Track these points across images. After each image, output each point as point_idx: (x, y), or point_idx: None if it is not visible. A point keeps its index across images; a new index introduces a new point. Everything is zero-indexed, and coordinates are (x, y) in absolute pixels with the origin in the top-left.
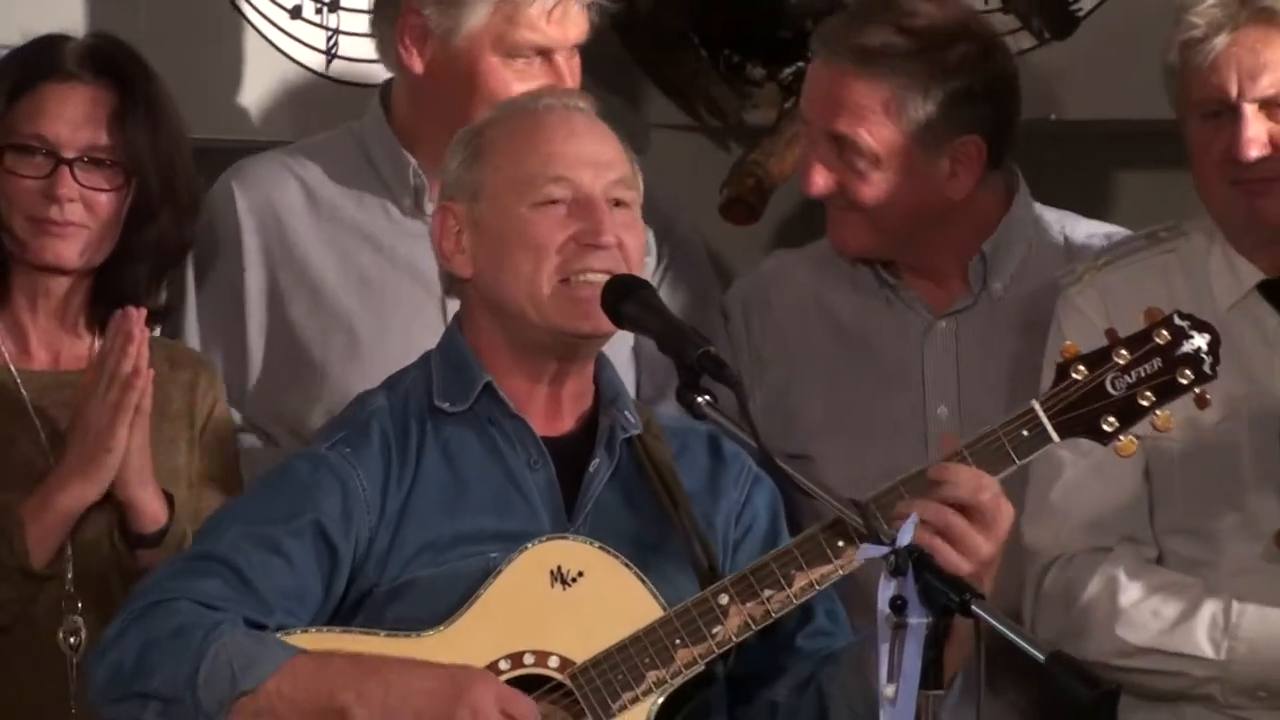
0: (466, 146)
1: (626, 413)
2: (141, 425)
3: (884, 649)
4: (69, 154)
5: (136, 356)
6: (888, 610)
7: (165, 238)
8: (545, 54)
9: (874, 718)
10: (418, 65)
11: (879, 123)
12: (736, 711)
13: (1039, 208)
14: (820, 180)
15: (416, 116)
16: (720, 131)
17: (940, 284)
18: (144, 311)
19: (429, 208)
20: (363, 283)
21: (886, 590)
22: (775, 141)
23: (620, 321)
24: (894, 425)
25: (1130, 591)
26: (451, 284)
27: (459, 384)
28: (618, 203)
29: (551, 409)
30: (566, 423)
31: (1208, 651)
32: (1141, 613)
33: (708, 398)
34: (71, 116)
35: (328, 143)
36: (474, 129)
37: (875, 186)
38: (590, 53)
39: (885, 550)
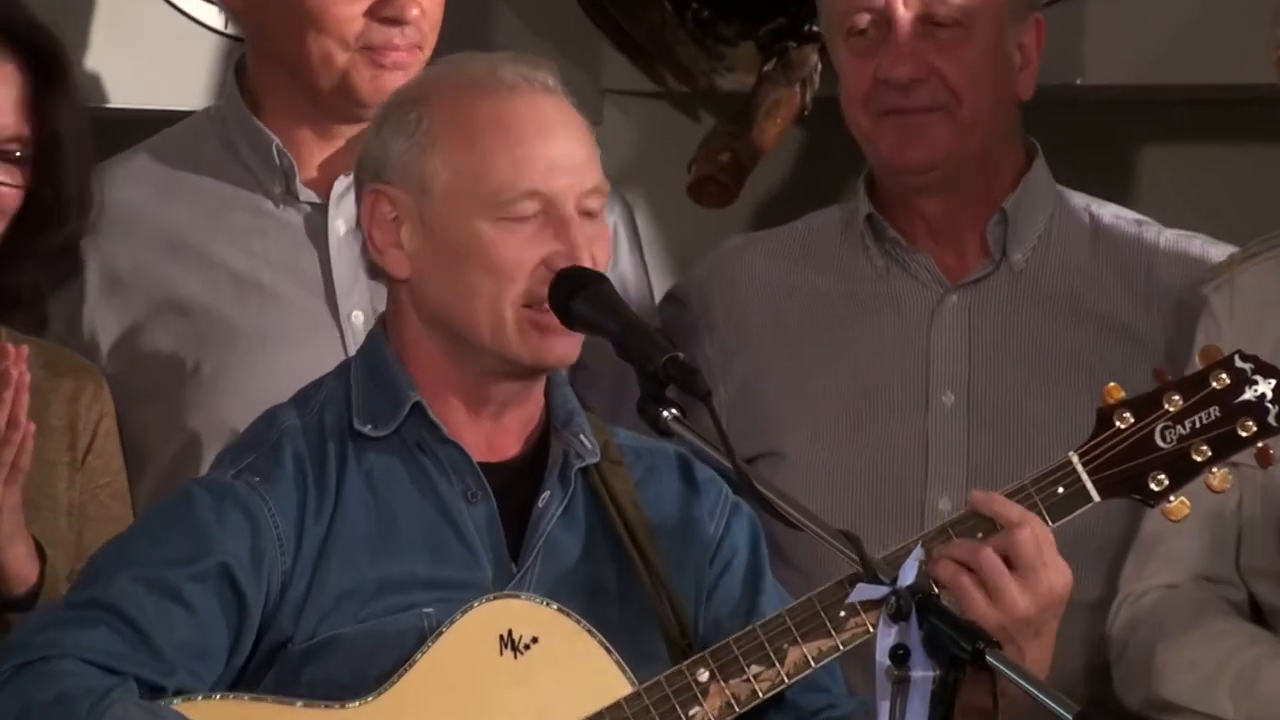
0: (409, 122)
1: (582, 437)
2: (17, 482)
3: (884, 707)
4: None
5: (14, 405)
6: (888, 661)
7: (68, 237)
8: None
9: None
10: None
11: None
12: None
13: (1061, 189)
14: (908, 64)
15: (260, 75)
16: (688, 99)
17: (956, 248)
18: (24, 350)
19: (304, 192)
20: (238, 295)
21: (886, 638)
22: (753, 110)
23: (571, 322)
24: (887, 414)
25: (1172, 641)
26: (356, 284)
27: (383, 403)
28: (587, 213)
29: (493, 432)
30: (511, 448)
31: (1228, 712)
32: (1178, 665)
33: (674, 412)
34: None
35: (185, 130)
36: (416, 95)
37: (966, 65)
38: (535, 4)
39: (884, 591)
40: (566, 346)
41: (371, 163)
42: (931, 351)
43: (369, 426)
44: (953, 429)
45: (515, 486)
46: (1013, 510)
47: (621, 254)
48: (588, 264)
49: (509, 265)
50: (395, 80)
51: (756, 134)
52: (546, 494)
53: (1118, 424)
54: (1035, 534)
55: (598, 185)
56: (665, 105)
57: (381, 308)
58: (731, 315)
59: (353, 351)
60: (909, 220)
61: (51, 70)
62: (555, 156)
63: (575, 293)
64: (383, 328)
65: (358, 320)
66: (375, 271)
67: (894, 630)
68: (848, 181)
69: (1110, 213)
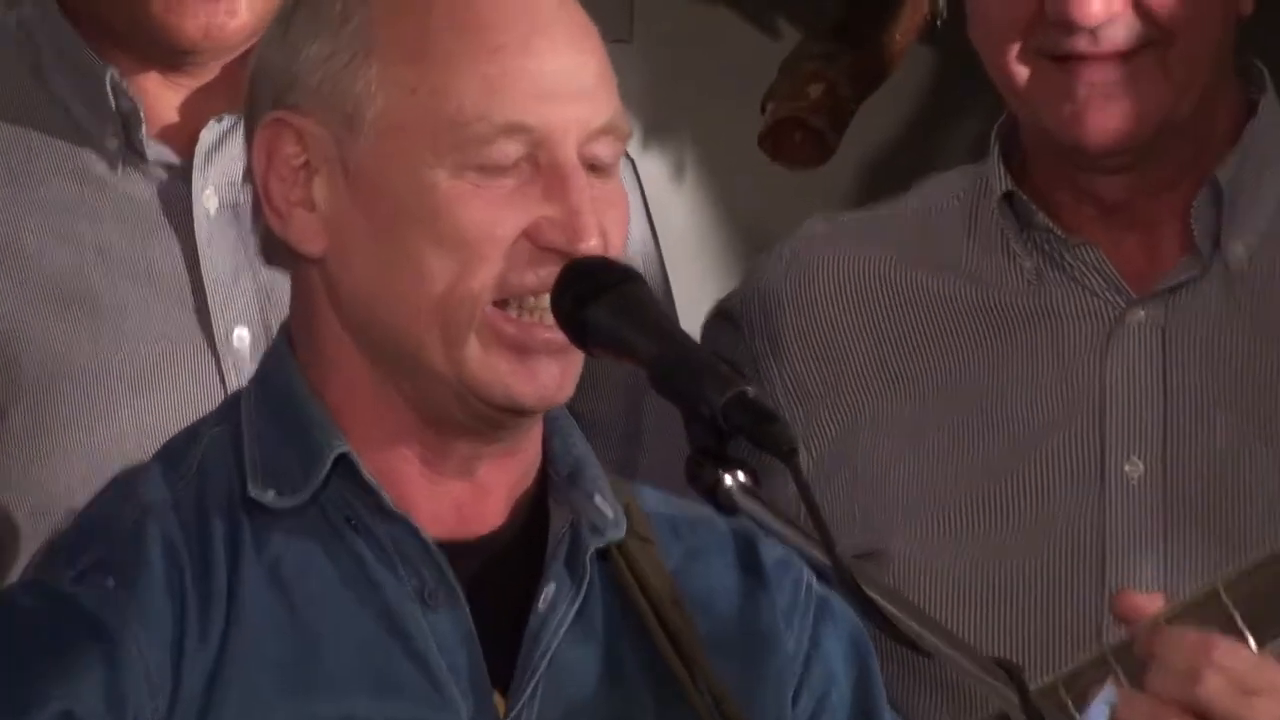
0: (332, 14)
1: (598, 501)
2: None
3: None
4: None
5: None
6: None
7: None
8: None
9: None
10: None
11: None
12: None
13: None
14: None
15: None
16: (759, 1)
17: (1145, 240)
18: None
19: (154, 148)
20: (59, 307)
21: None
22: (858, 18)
23: (585, 338)
24: (1043, 491)
25: None
26: (238, 285)
27: (291, 457)
28: (594, 167)
29: (464, 496)
30: (491, 518)
31: None
32: None
33: (743, 477)
34: None
35: None
36: None
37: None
38: None
39: None
40: (555, 376)
41: (270, 76)
42: (1108, 395)
43: (271, 494)
44: (1141, 510)
45: (500, 579)
46: (1189, 649)
47: (631, 236)
48: (595, 240)
49: (475, 236)
50: (230, 11)
51: (864, 54)
52: (549, 589)
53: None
54: (1232, 677)
55: (613, 123)
56: (725, 11)
57: (281, 318)
58: (811, 343)
59: (235, 386)
60: (1071, 199)
61: None
62: (551, 74)
63: (594, 296)
64: (288, 342)
65: (242, 340)
66: (272, 250)
67: None
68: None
69: None
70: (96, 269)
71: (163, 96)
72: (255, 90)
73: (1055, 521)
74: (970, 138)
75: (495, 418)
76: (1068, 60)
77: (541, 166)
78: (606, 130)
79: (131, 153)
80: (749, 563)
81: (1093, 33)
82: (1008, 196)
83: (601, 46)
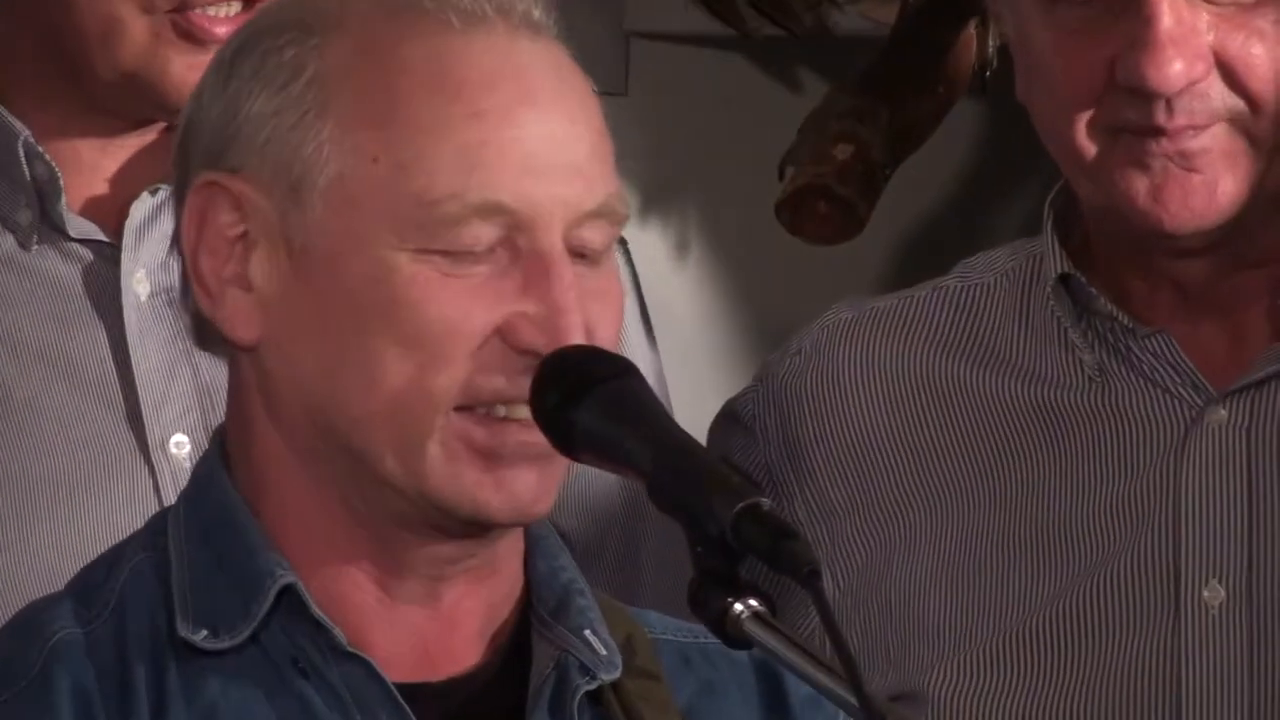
0: (283, 62)
1: (588, 634)
2: None
3: None
4: None
5: None
6: None
7: None
8: None
9: None
10: None
11: None
12: None
13: None
14: (1181, 59)
15: (5, 43)
16: (775, 48)
17: (1226, 328)
18: None
19: (75, 224)
20: None
21: None
22: (894, 69)
23: (571, 444)
24: (1109, 624)
25: None
26: (174, 384)
27: (227, 590)
28: (583, 255)
29: (429, 630)
30: (462, 656)
31: None
32: None
33: (757, 605)
34: None
35: None
36: (301, 17)
37: (1269, 45)
38: None
39: None
40: (532, 486)
41: (204, 133)
42: (1184, 510)
43: (204, 634)
44: (1222, 644)
45: None
46: None
47: (628, 332)
48: (578, 339)
49: (439, 332)
50: None
51: (901, 110)
52: None
53: None
54: None
55: (607, 206)
56: (738, 59)
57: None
58: (836, 451)
59: (173, 501)
60: (1141, 283)
61: None
62: (536, 146)
63: (581, 393)
64: (221, 450)
65: (181, 448)
66: (203, 334)
67: None
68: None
69: None
70: (8, 363)
71: (92, 162)
72: (186, 148)
73: (1122, 659)
74: (1023, 208)
75: (460, 531)
76: (1144, 132)
77: (521, 253)
78: (599, 214)
79: (48, 228)
80: (773, 700)
81: (1171, 102)
82: (1064, 279)
83: (600, 117)
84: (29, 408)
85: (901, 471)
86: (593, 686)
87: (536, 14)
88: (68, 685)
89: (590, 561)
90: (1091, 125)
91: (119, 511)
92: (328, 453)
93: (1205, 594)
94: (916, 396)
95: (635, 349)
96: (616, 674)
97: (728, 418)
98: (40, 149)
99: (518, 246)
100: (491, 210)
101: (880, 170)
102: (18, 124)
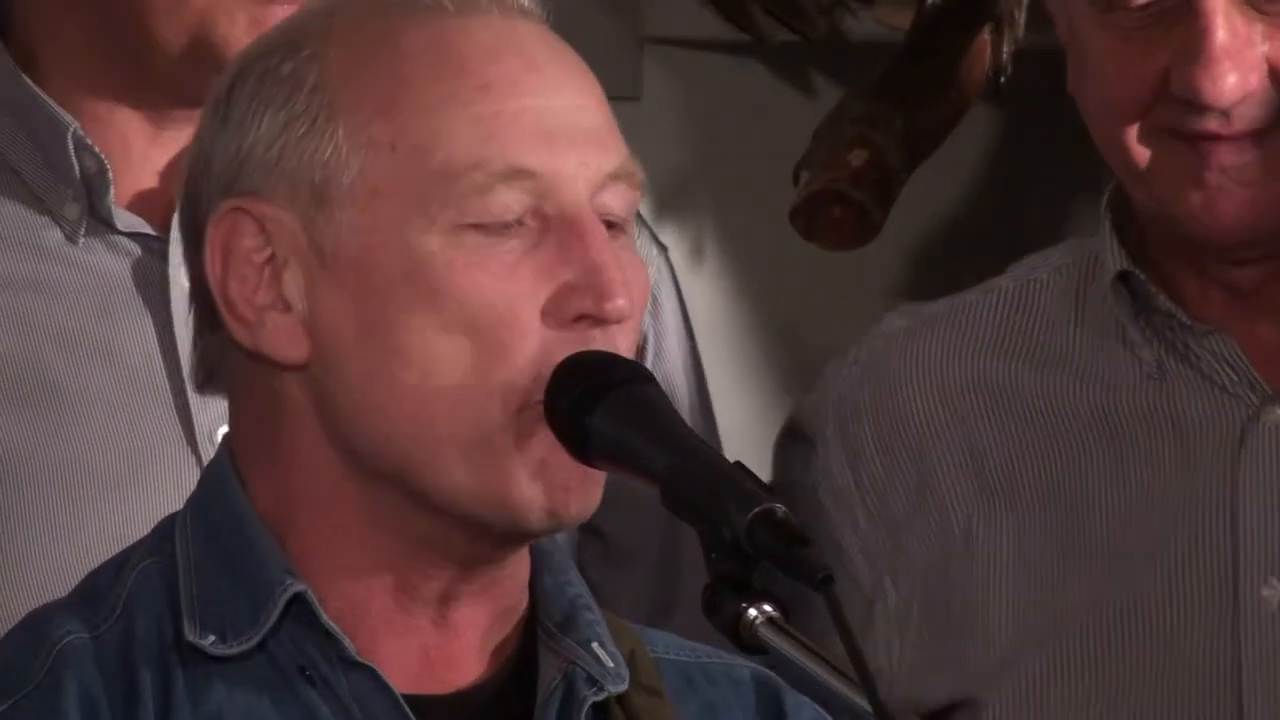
0: (283, 80)
1: (595, 647)
2: None
3: None
4: None
5: None
6: None
7: None
8: None
9: None
10: None
11: None
12: None
13: None
14: (1233, 73)
15: (42, 13)
16: (789, 54)
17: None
18: None
19: (123, 218)
20: (14, 396)
21: None
22: (909, 74)
23: (586, 450)
24: (1167, 623)
25: None
26: (213, 370)
27: (236, 595)
28: (609, 224)
29: (437, 642)
30: (469, 668)
31: None
32: None
33: (769, 610)
34: None
35: None
36: (293, 38)
37: None
38: None
39: None
40: (597, 491)
41: (213, 169)
42: (1241, 508)
43: (212, 639)
44: None
45: None
46: None
47: (668, 340)
48: (623, 300)
49: (492, 322)
50: None
51: (915, 115)
52: None
53: None
54: None
55: (625, 168)
56: (752, 64)
57: None
58: (897, 459)
59: None
60: (1197, 283)
61: None
62: (552, 113)
63: (595, 398)
64: (230, 456)
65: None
66: (208, 375)
67: None
68: (1081, 202)
69: None
70: (54, 357)
71: (142, 154)
72: (196, 190)
73: (1182, 660)
74: (1037, 213)
75: (507, 540)
76: (1197, 140)
77: (550, 220)
78: (618, 176)
79: (96, 221)
80: (771, 709)
81: (1225, 112)
82: (1123, 277)
83: (601, 90)
84: (78, 399)
85: (960, 476)
86: (600, 698)
87: (528, 2)
88: (75, 690)
89: (631, 564)
90: (1144, 131)
91: (167, 502)
92: (381, 466)
93: (1265, 592)
94: (973, 400)
95: (684, 374)
96: (624, 686)
97: (789, 433)
98: (89, 142)
99: (545, 214)
100: (516, 174)
101: (895, 175)
102: (66, 115)
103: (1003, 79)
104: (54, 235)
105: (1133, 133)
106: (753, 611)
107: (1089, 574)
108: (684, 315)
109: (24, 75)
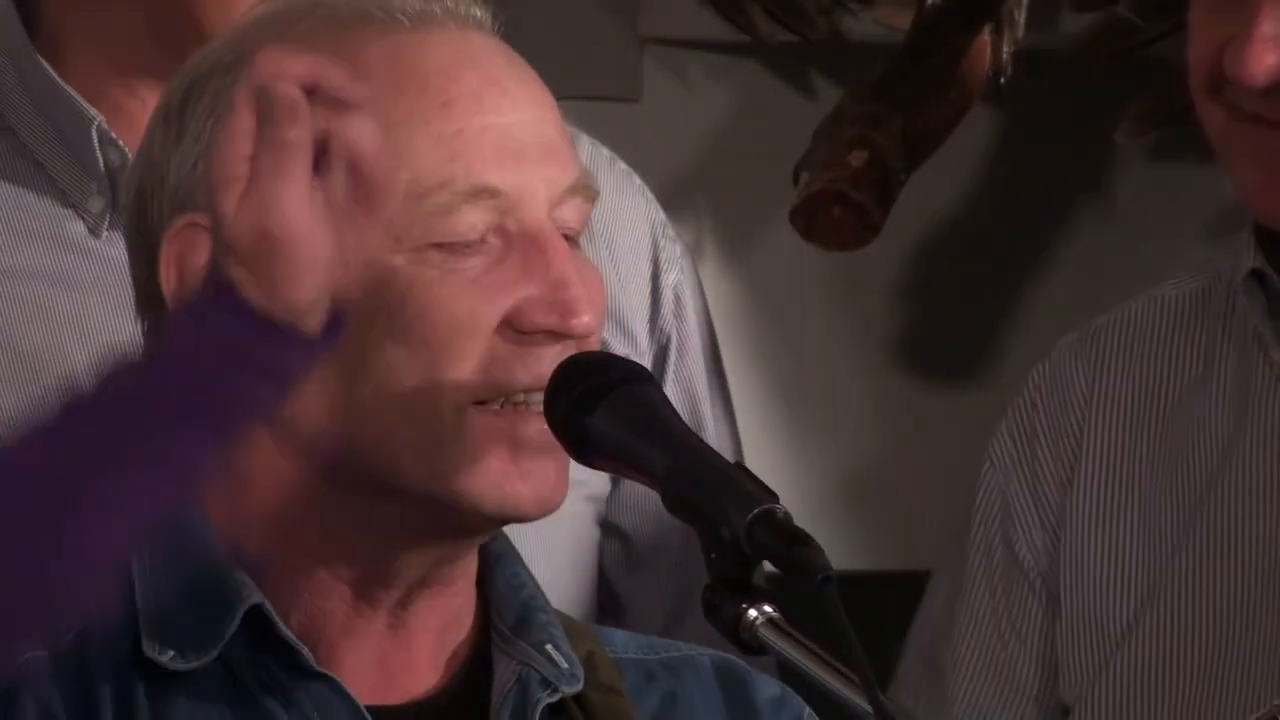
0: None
1: (550, 649)
2: None
3: None
4: None
5: None
6: None
7: None
8: None
9: None
10: None
11: None
12: None
13: None
14: (1269, 58)
15: (87, 16)
16: (789, 54)
17: None
18: None
19: None
20: (37, 388)
21: None
22: (908, 74)
23: (585, 449)
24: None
25: None
26: None
27: (192, 609)
28: (564, 237)
29: (392, 649)
30: (423, 676)
31: None
32: None
33: (770, 611)
34: None
35: None
36: (255, 42)
37: None
38: None
39: None
40: (551, 476)
41: (162, 187)
42: None
43: (170, 655)
44: None
45: None
46: None
47: (691, 341)
48: (588, 316)
49: (448, 331)
50: None
51: (915, 116)
52: None
53: None
54: None
55: (581, 181)
56: (752, 65)
57: None
58: (1079, 468)
59: None
60: None
61: None
62: (514, 130)
63: (595, 399)
64: None
65: None
66: None
67: None
68: (1081, 202)
69: None
70: (77, 348)
71: None
72: (145, 203)
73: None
74: (1037, 214)
75: (464, 538)
76: (1259, 121)
77: (513, 237)
78: (575, 190)
79: (119, 215)
80: (739, 704)
81: (1265, 96)
82: (1256, 275)
83: (553, 99)
84: None
85: (1123, 484)
86: (554, 699)
87: (480, 14)
88: (33, 706)
89: (650, 561)
90: (1214, 102)
91: None
92: (342, 470)
93: None
94: (1139, 411)
95: (708, 380)
96: (579, 687)
97: (986, 455)
98: (114, 135)
99: (508, 231)
100: (480, 193)
101: (895, 176)
102: (91, 109)
103: (1003, 79)
104: (77, 228)
105: (1211, 105)
106: (753, 612)
107: (1216, 587)
108: (707, 316)
109: (50, 68)
